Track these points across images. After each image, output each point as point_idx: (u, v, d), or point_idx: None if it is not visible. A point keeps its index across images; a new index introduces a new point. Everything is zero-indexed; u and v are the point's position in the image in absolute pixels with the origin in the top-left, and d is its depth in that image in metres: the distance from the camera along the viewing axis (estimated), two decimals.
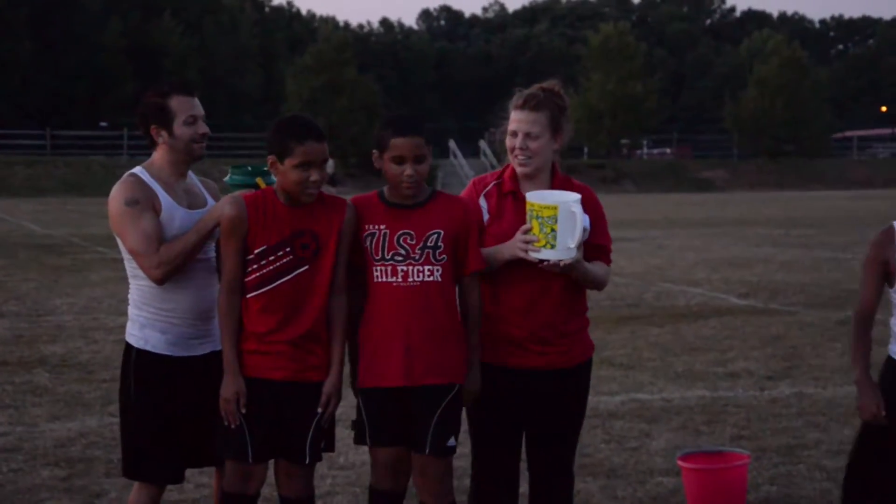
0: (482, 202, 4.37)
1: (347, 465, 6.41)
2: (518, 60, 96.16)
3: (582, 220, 4.12)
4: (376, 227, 4.17)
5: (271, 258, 4.13)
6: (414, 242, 4.14)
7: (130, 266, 4.38)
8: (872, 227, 27.88)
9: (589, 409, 7.62)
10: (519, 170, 4.36)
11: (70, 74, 63.79)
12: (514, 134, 4.36)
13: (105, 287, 14.62)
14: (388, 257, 4.15)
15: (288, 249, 4.14)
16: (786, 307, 12.77)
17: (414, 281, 4.13)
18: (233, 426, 4.15)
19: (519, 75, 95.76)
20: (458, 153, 58.63)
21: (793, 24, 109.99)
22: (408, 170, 4.12)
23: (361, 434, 4.26)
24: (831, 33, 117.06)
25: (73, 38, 64.16)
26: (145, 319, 4.33)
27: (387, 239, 4.15)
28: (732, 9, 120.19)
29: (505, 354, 4.30)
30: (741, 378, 8.81)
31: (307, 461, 4.23)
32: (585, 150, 64.56)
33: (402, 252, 4.14)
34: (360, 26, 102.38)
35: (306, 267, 4.14)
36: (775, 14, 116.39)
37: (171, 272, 4.22)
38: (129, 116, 60.74)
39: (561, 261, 4.11)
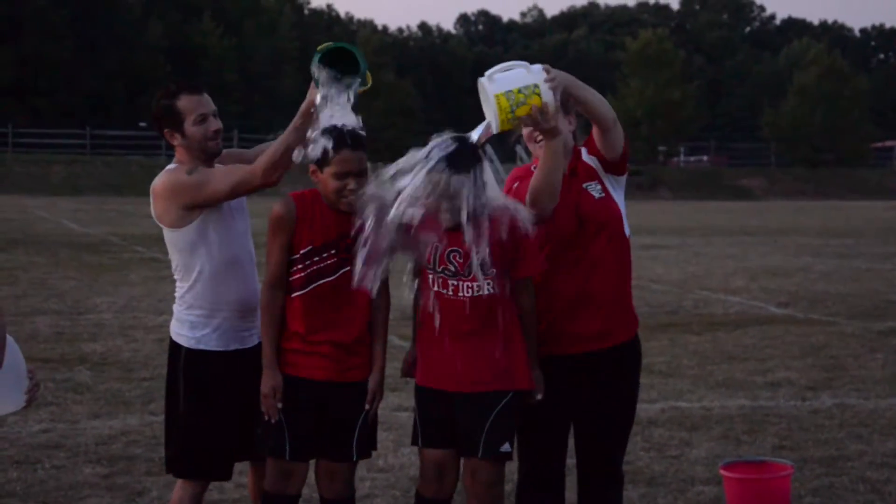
0: (516, 184, 4.52)
1: (387, 467, 6.41)
2: (556, 66, 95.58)
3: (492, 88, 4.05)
4: (436, 235, 4.18)
5: (316, 259, 4.17)
6: (462, 260, 4.14)
7: (177, 266, 4.43)
8: None
9: None
10: (537, 153, 4.40)
11: (110, 75, 64.26)
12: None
13: (144, 286, 14.71)
14: (440, 270, 4.18)
15: (333, 252, 4.17)
16: (826, 317, 12.67)
17: (464, 295, 4.15)
18: (272, 421, 4.17)
19: None
20: (495, 158, 58.46)
21: (833, 33, 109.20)
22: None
23: (414, 433, 4.30)
24: (872, 42, 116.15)
25: (113, 39, 64.64)
26: (196, 318, 4.37)
27: (438, 253, 4.16)
28: (772, 16, 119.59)
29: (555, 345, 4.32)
30: (782, 387, 8.74)
31: (355, 458, 4.26)
32: None
33: (452, 269, 4.15)
34: (399, 30, 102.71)
35: (348, 268, 4.15)
36: (815, 22, 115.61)
37: (280, 170, 4.19)
38: None
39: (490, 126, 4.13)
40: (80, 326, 11.45)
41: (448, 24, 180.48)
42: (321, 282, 4.17)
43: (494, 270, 4.14)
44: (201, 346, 4.36)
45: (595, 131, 4.37)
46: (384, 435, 7.06)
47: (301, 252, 4.17)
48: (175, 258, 4.45)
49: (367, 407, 4.25)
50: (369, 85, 4.18)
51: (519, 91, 4.03)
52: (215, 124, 4.35)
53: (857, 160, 65.20)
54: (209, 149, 4.36)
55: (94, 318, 12.09)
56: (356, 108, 4.16)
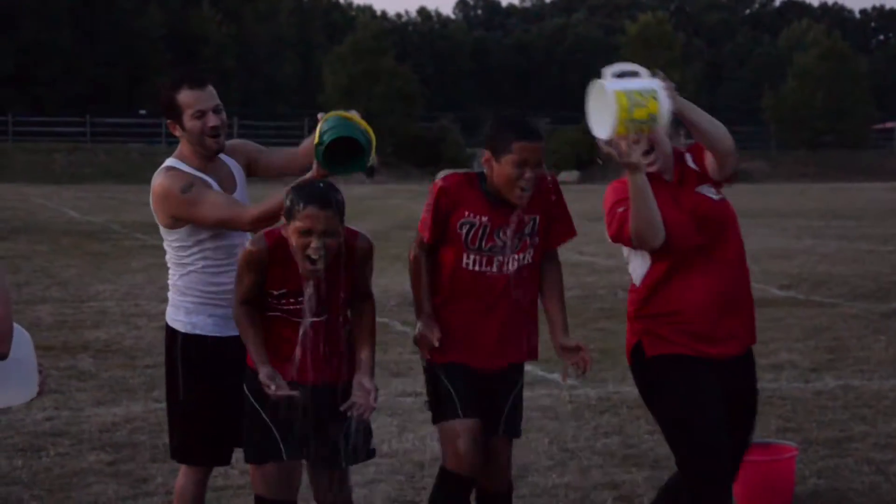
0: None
1: (391, 452, 6.41)
2: (555, 50, 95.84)
3: (613, 97, 3.84)
4: (476, 217, 4.13)
5: (292, 300, 4.02)
6: (512, 233, 4.14)
7: (173, 254, 4.41)
8: None
9: (633, 399, 7.64)
10: (649, 169, 4.17)
11: (110, 62, 64.15)
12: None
13: (146, 273, 14.71)
14: (486, 248, 4.13)
15: (305, 298, 4.01)
16: (828, 299, 12.67)
17: (508, 269, 4.15)
18: (291, 402, 3.96)
19: (556, 65, 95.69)
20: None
21: (833, 14, 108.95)
22: (528, 173, 4.06)
23: (442, 408, 4.19)
24: (872, 23, 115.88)
25: (112, 26, 64.51)
26: (191, 304, 4.35)
27: (486, 231, 4.11)
28: None
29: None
30: (785, 370, 8.74)
31: (343, 465, 4.14)
32: None
33: (500, 244, 4.12)
34: (398, 15, 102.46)
35: (326, 312, 4.04)
36: (815, 4, 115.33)
37: (269, 224, 4.15)
38: None
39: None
40: (83, 314, 11.46)
41: (447, 9, 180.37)
42: (305, 320, 4.01)
43: (538, 238, 4.17)
44: (197, 332, 4.35)
45: (708, 155, 4.22)
46: (388, 420, 7.07)
47: (275, 293, 4.02)
48: (168, 251, 4.44)
49: (349, 414, 4.03)
50: (374, 161, 4.05)
51: (639, 92, 3.88)
52: (213, 120, 4.26)
53: (857, 142, 65.06)
54: (207, 145, 4.29)
55: (96, 305, 12.10)
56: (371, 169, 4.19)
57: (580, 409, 7.35)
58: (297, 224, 3.87)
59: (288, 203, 3.91)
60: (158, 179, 4.31)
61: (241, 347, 4.32)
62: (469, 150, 56.13)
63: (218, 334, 4.35)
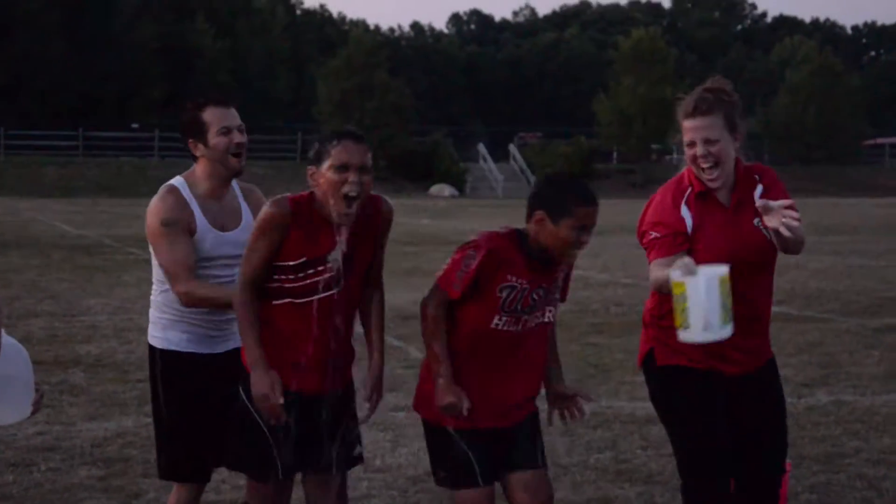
0: (685, 211, 4.18)
1: (384, 467, 6.40)
2: (548, 65, 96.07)
3: (719, 296, 3.81)
4: (518, 280, 3.95)
5: (310, 272, 3.91)
6: (545, 294, 4.02)
7: (155, 270, 4.40)
8: None
9: (626, 414, 7.64)
10: (710, 184, 4.15)
11: (102, 76, 64.18)
12: (692, 143, 4.14)
13: (138, 287, 14.67)
14: (521, 310, 3.98)
15: (327, 266, 3.92)
16: (820, 314, 12.68)
17: (532, 326, 4.02)
18: (278, 421, 3.92)
19: (549, 80, 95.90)
20: (488, 157, 58.62)
21: (825, 31, 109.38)
22: (585, 237, 3.94)
23: (460, 476, 4.01)
24: (863, 40, 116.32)
25: (105, 40, 64.55)
26: (167, 321, 4.35)
27: (524, 295, 3.97)
28: (764, 14, 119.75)
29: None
30: None
31: (334, 471, 4.08)
32: (615, 154, 64.40)
33: (532, 304, 3.99)
34: (391, 30, 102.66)
35: (341, 284, 3.95)
36: (807, 20, 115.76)
37: (196, 304, 4.24)
38: (160, 118, 61.17)
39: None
40: (75, 328, 11.43)
41: (440, 24, 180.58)
42: (318, 296, 3.91)
43: (559, 295, 4.09)
44: (171, 347, 4.34)
45: (778, 192, 4.18)
46: (381, 435, 7.05)
47: (291, 264, 3.89)
48: (153, 266, 4.43)
49: (367, 405, 4.08)
50: None
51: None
52: (238, 138, 4.29)
53: (849, 158, 65.30)
54: (230, 164, 4.29)
55: (88, 319, 12.07)
56: None
57: (574, 426, 7.33)
58: (331, 161, 3.80)
59: (316, 147, 3.87)
60: (155, 198, 4.32)
61: (216, 366, 4.33)
62: (462, 164, 56.26)
63: (193, 350, 4.34)
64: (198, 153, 4.31)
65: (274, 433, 3.94)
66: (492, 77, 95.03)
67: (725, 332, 3.86)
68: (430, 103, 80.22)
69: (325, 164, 3.83)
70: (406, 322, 11.89)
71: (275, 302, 3.93)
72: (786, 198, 4.09)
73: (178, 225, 4.22)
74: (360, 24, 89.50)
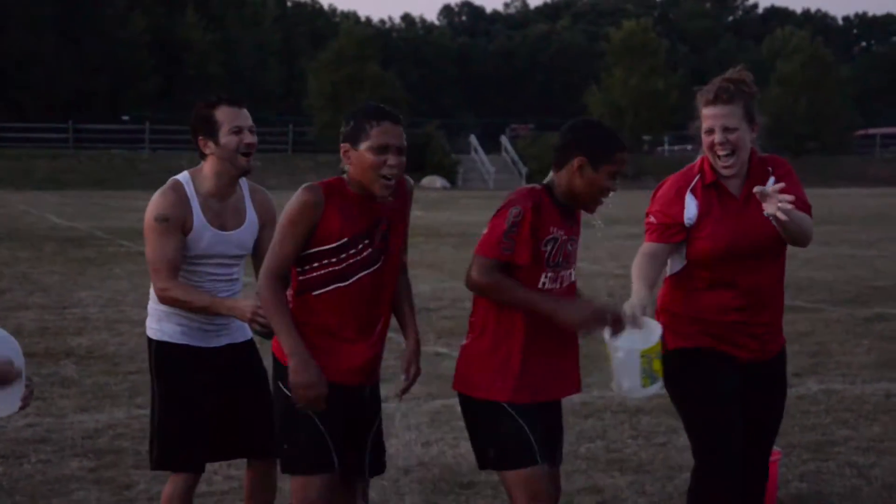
0: (689, 198, 4.23)
1: None
2: (539, 56, 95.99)
3: (639, 367, 3.93)
4: (558, 232, 3.91)
5: (352, 251, 3.87)
6: (573, 244, 4.01)
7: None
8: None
9: (616, 404, 7.66)
10: (725, 171, 4.20)
11: (93, 68, 64.00)
12: (711, 130, 4.19)
13: (129, 280, 14.67)
14: (560, 263, 3.95)
15: (367, 242, 3.89)
16: (811, 304, 12.71)
17: (566, 284, 3.99)
18: (319, 409, 3.82)
19: (540, 71, 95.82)
20: (479, 149, 58.57)
21: (816, 22, 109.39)
22: (615, 184, 3.94)
23: (516, 454, 3.88)
24: (854, 31, 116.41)
25: (96, 33, 64.36)
26: (162, 313, 4.39)
27: (563, 247, 3.94)
28: (755, 5, 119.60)
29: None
30: None
31: (367, 475, 4.05)
32: None
33: (567, 256, 3.97)
34: (382, 22, 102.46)
35: (382, 258, 3.93)
36: (798, 11, 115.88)
37: (170, 303, 4.30)
38: (151, 111, 61.06)
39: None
40: (66, 320, 11.42)
41: (431, 16, 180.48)
42: (362, 274, 3.87)
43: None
44: (165, 339, 4.40)
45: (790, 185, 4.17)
46: None
47: (331, 247, 3.84)
48: None
49: (403, 379, 4.08)
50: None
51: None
52: (248, 138, 4.33)
53: (840, 148, 65.38)
54: (239, 163, 4.33)
55: (79, 312, 12.06)
56: None
57: (564, 415, 7.33)
58: (371, 142, 3.78)
59: (352, 125, 3.82)
60: (158, 192, 4.37)
61: (213, 359, 4.37)
62: (454, 156, 56.22)
63: (187, 343, 4.38)
64: (207, 151, 4.34)
65: (327, 425, 3.86)
66: (483, 69, 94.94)
67: (648, 391, 3.98)
68: (422, 95, 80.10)
69: (364, 145, 3.80)
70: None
71: (319, 292, 3.87)
72: (797, 190, 4.17)
73: (170, 222, 4.26)
74: (351, 17, 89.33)
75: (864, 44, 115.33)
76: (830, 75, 67.13)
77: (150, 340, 4.46)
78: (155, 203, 4.31)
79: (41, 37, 61.93)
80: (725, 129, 4.18)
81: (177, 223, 4.27)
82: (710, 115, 4.19)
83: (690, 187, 4.26)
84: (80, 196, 39.23)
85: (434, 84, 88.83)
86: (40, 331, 10.76)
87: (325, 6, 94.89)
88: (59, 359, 9.34)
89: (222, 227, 4.35)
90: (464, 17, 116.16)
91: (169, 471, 4.48)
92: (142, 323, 11.35)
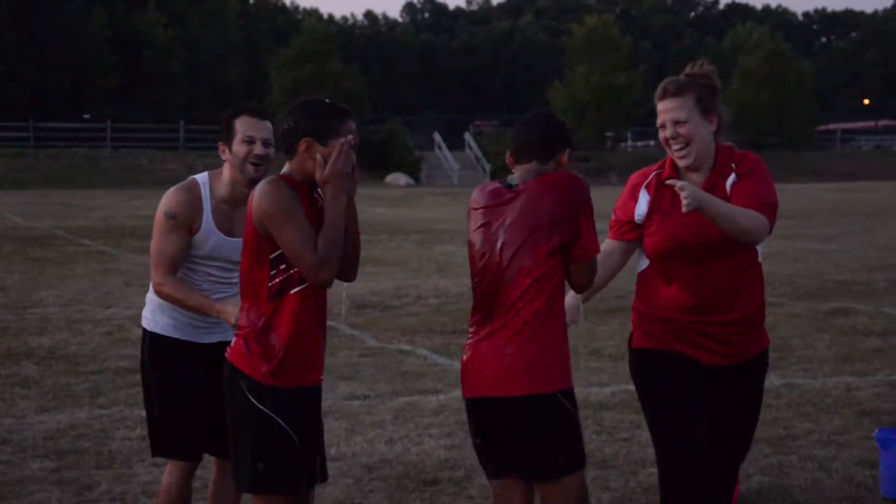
0: (643, 194, 4.23)
1: (339, 455, 6.39)
2: (502, 53, 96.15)
3: None
4: None
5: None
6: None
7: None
8: (856, 219, 27.86)
9: (579, 400, 7.65)
10: (680, 163, 4.16)
11: (53, 66, 63.50)
12: (663, 126, 4.17)
13: (91, 279, 14.56)
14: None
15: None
16: (772, 298, 12.75)
17: None
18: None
19: (503, 68, 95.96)
20: (443, 145, 58.57)
21: (776, 17, 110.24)
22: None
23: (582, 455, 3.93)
24: (814, 26, 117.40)
25: (56, 30, 63.83)
26: (157, 304, 4.51)
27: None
28: (716, 2, 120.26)
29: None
30: None
31: (320, 480, 3.96)
32: None
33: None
34: (345, 18, 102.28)
35: None
36: (759, 7, 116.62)
37: (163, 298, 4.41)
38: (112, 108, 60.60)
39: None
40: (26, 320, 11.32)
41: (394, 12, 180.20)
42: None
43: None
44: (157, 331, 4.51)
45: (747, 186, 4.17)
46: (336, 423, 7.05)
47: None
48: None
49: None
50: None
51: None
52: (259, 149, 4.41)
53: (801, 143, 65.88)
54: (246, 171, 4.42)
55: (39, 311, 11.95)
56: None
57: None
58: (345, 138, 3.79)
59: (318, 123, 3.76)
60: (174, 187, 4.49)
61: (203, 354, 4.43)
62: (418, 153, 56.19)
63: (177, 336, 4.48)
64: (224, 157, 4.48)
65: (304, 441, 3.78)
66: (446, 65, 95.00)
67: None
68: (385, 92, 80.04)
69: (335, 142, 3.79)
70: (361, 311, 11.89)
71: (297, 289, 3.75)
72: (757, 188, 4.09)
73: (178, 220, 4.39)
74: (314, 13, 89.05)
75: (823, 39, 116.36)
76: (791, 70, 67.64)
77: (144, 331, 4.58)
78: (167, 199, 4.44)
79: (0, 35, 61.34)
80: (675, 123, 4.13)
81: (184, 222, 4.39)
82: (661, 110, 4.17)
83: (645, 183, 4.25)
84: (41, 195, 38.90)
85: (397, 81, 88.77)
86: (0, 331, 10.66)
87: (288, 3, 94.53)
88: (19, 359, 9.25)
89: (230, 233, 4.44)
90: (426, 14, 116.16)
91: (169, 458, 4.56)
92: (103, 322, 11.34)
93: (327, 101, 3.90)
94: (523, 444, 3.83)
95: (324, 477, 3.97)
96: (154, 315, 4.52)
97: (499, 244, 3.87)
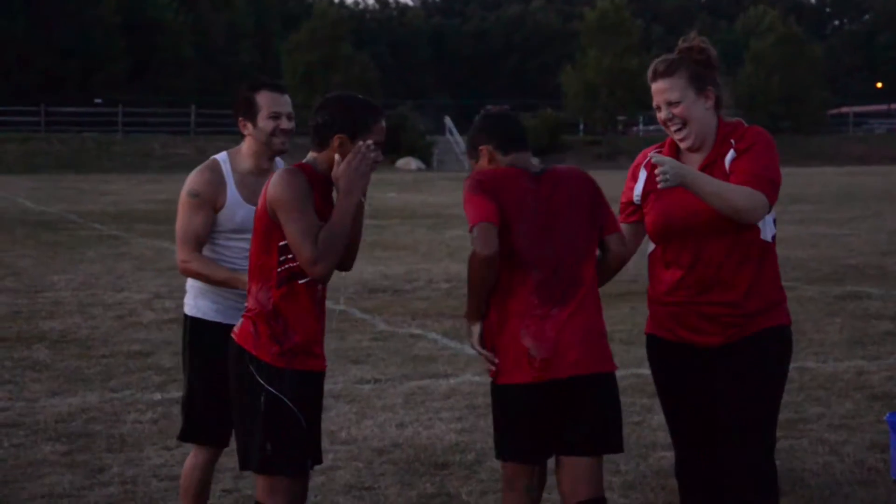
0: (641, 174, 4.15)
1: (349, 439, 6.41)
2: (514, 37, 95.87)
3: None
4: None
5: None
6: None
7: None
8: (869, 203, 27.75)
9: None
10: (681, 144, 4.05)
11: (64, 51, 63.52)
12: (658, 108, 4.08)
13: (102, 263, 14.59)
14: None
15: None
16: (785, 282, 12.66)
17: None
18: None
19: (514, 52, 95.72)
20: (454, 130, 58.52)
21: (788, 0, 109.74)
22: None
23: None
24: (827, 9, 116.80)
25: (67, 15, 63.83)
26: (199, 290, 4.54)
27: None
28: None
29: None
30: None
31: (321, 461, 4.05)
32: (581, 126, 64.48)
33: None
34: (356, 2, 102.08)
35: None
36: None
37: (190, 275, 4.48)
38: (123, 93, 60.64)
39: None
40: (38, 304, 11.35)
41: None
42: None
43: None
44: (200, 315, 4.53)
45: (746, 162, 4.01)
46: (347, 407, 7.06)
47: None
48: None
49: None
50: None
51: None
52: (285, 124, 4.49)
53: (813, 127, 65.67)
54: (273, 145, 4.50)
55: (51, 295, 11.98)
56: None
57: None
58: (375, 137, 3.82)
59: (354, 120, 3.78)
60: (197, 168, 4.56)
61: None
62: (429, 137, 56.16)
63: (220, 320, 4.48)
64: (246, 132, 4.52)
65: (311, 424, 3.84)
66: (458, 50, 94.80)
67: None
68: (396, 76, 79.93)
69: (364, 139, 3.82)
70: (372, 295, 11.90)
71: (305, 279, 3.79)
72: (755, 165, 3.94)
73: (201, 198, 4.45)
74: None
75: (836, 22, 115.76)
76: (803, 54, 67.37)
77: (185, 316, 4.58)
78: (190, 179, 4.51)
79: (11, 19, 61.40)
80: (669, 104, 4.03)
81: (208, 200, 4.44)
82: (654, 92, 4.08)
83: (644, 163, 4.16)
84: (53, 180, 38.98)
85: (408, 65, 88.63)
86: (12, 315, 10.69)
87: None
88: (31, 343, 9.28)
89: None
90: None
91: (194, 443, 4.58)
92: (114, 306, 11.36)
93: (361, 97, 3.92)
94: (605, 418, 3.96)
95: (319, 460, 4.00)
96: (196, 300, 4.54)
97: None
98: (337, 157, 3.79)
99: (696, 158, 4.06)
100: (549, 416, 3.90)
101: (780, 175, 4.00)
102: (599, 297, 4.02)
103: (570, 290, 3.92)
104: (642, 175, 4.16)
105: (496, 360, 3.90)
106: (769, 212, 3.98)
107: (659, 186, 3.80)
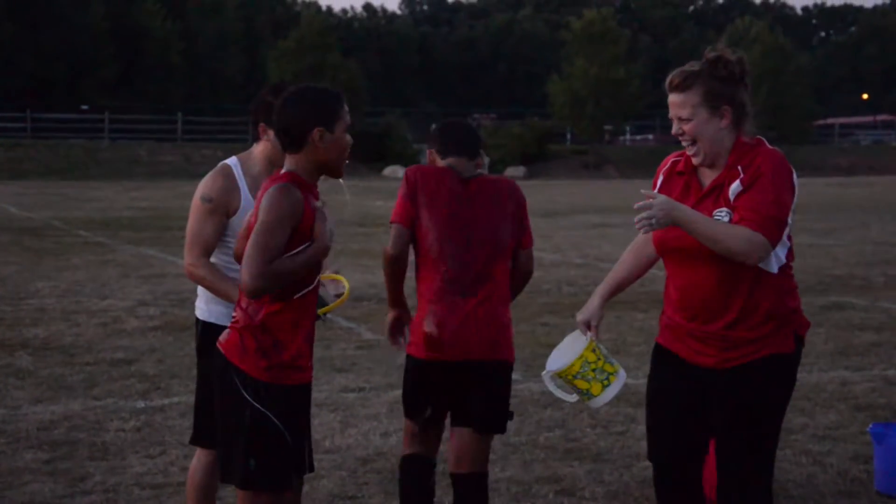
0: (659, 179, 4.05)
1: (333, 448, 6.39)
2: (501, 46, 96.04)
3: (558, 387, 4.12)
4: None
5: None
6: None
7: None
8: (854, 213, 27.76)
9: None
10: (693, 160, 3.92)
11: (51, 57, 63.36)
12: (672, 120, 3.92)
13: (87, 270, 14.54)
14: None
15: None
16: None
17: None
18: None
19: (502, 61, 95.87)
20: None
21: (775, 12, 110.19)
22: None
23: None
24: (813, 21, 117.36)
25: (54, 20, 63.68)
26: (210, 295, 4.51)
27: None
28: None
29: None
30: None
31: (307, 471, 4.01)
32: (568, 135, 64.53)
33: None
34: (344, 10, 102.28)
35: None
36: (758, 1, 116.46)
37: (195, 280, 4.48)
38: (110, 100, 60.51)
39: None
40: (22, 311, 11.30)
41: (393, 5, 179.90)
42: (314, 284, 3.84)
43: None
44: (212, 320, 4.49)
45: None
46: (331, 416, 7.04)
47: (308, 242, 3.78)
48: None
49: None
50: (322, 317, 4.22)
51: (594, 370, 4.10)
52: None
53: (799, 138, 65.86)
54: None
55: (35, 302, 11.93)
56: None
57: (524, 404, 7.36)
58: (345, 122, 3.79)
59: (326, 111, 3.73)
60: (209, 173, 4.54)
61: None
62: (416, 145, 56.16)
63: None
64: (264, 137, 4.51)
65: (295, 439, 3.79)
66: (445, 58, 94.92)
67: (596, 401, 4.07)
68: (383, 85, 79.96)
69: (340, 127, 3.78)
70: (357, 303, 11.87)
71: (303, 293, 3.77)
72: (757, 202, 3.74)
73: (213, 204, 4.43)
74: (312, 5, 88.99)
75: (822, 34, 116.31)
76: (790, 65, 67.64)
77: (197, 320, 4.59)
78: (203, 184, 4.49)
79: None
80: (680, 120, 3.88)
81: (220, 206, 4.43)
82: (669, 104, 3.92)
83: (665, 168, 4.06)
84: (38, 186, 38.85)
85: (395, 73, 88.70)
86: None
87: None
88: (14, 350, 9.24)
89: None
90: (425, 7, 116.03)
91: (203, 447, 4.56)
92: (99, 313, 11.30)
93: (320, 86, 3.86)
94: (491, 402, 4.53)
95: (311, 468, 3.98)
96: (207, 305, 4.53)
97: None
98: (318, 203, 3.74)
99: (710, 174, 3.92)
100: (441, 390, 4.52)
101: (787, 209, 3.78)
102: (508, 292, 4.54)
103: (478, 285, 4.43)
104: (659, 181, 4.05)
105: (396, 344, 4.78)
106: (771, 250, 3.78)
107: (641, 232, 3.77)
